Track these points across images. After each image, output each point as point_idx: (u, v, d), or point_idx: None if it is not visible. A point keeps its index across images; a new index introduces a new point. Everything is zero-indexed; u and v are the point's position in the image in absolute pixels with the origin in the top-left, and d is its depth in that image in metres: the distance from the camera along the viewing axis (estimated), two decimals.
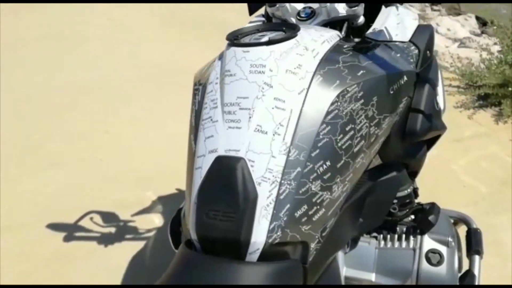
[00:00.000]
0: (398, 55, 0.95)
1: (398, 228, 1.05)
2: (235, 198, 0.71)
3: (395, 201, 1.02)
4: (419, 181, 1.19)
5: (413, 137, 0.96)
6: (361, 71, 0.82)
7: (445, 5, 4.39)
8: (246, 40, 0.83)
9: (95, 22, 3.80)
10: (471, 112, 2.62)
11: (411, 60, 0.98)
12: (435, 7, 4.39)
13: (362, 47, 0.90)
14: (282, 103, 0.75)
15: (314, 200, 0.75)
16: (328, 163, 0.76)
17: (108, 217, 1.75)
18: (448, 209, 1.19)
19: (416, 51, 1.02)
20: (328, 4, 0.98)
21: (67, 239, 1.64)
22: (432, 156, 2.20)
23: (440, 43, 3.43)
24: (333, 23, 1.02)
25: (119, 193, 2.01)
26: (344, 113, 0.78)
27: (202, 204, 0.74)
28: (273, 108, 0.75)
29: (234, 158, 0.73)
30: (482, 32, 3.80)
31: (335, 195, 0.78)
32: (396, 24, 1.02)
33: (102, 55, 3.28)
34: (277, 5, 1.02)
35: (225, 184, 0.73)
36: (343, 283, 0.98)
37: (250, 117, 0.75)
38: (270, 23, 1.04)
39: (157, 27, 3.76)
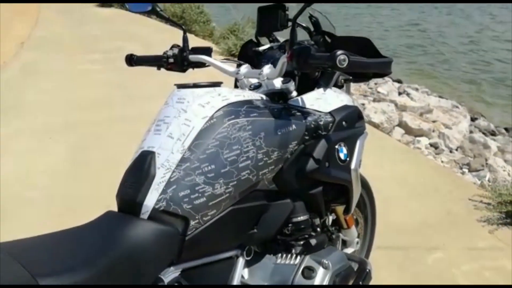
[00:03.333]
0: (302, 117, 1.29)
1: (293, 249, 1.29)
2: (140, 174, 1.10)
3: (290, 224, 1.29)
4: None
5: (302, 173, 1.26)
6: (255, 114, 1.20)
7: None
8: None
9: None
10: (493, 228, 2.63)
11: (320, 124, 1.32)
12: None
13: (270, 105, 1.28)
14: (189, 122, 1.15)
15: (196, 188, 1.09)
16: (212, 166, 1.12)
17: None
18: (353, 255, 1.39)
19: (331, 119, 1.36)
20: (267, 80, 1.39)
21: None
22: (436, 258, 2.29)
23: None
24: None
25: None
26: (232, 136, 1.15)
27: (124, 178, 1.14)
28: (182, 124, 1.15)
29: (149, 151, 1.13)
30: None
31: (217, 192, 1.12)
32: (316, 98, 1.39)
33: None
34: (239, 80, 1.46)
35: (139, 166, 1.12)
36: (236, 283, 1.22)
37: (167, 128, 1.15)
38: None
39: None
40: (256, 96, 1.30)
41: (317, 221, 1.37)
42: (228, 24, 7.27)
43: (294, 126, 1.26)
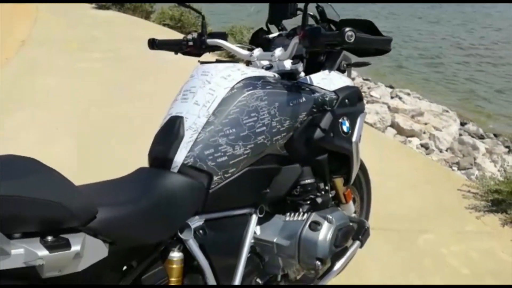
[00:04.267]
0: (310, 92, 1.45)
1: (300, 208, 1.44)
2: (171, 135, 1.25)
3: (298, 186, 1.44)
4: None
5: (310, 141, 1.42)
6: (270, 87, 1.36)
7: None
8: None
9: None
10: (480, 214, 2.80)
11: (326, 100, 1.48)
12: None
13: (282, 81, 1.43)
14: (213, 91, 1.30)
15: (219, 148, 1.24)
16: (233, 129, 1.27)
17: None
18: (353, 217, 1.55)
19: (335, 97, 1.52)
20: (278, 61, 1.54)
21: None
22: (427, 239, 2.44)
23: None
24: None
25: None
26: (251, 105, 1.30)
27: (155, 139, 1.28)
28: (207, 93, 1.30)
29: (177, 116, 1.28)
30: None
31: (236, 153, 1.26)
32: (322, 78, 1.55)
33: None
34: (252, 62, 1.61)
35: (169, 129, 1.27)
36: (249, 241, 1.36)
37: (193, 97, 1.30)
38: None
39: None
40: (269, 73, 1.45)
41: (322, 185, 1.52)
42: (226, 25, 7.44)
43: (304, 99, 1.41)
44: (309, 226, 1.36)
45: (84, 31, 7.74)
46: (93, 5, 11.02)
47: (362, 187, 2.18)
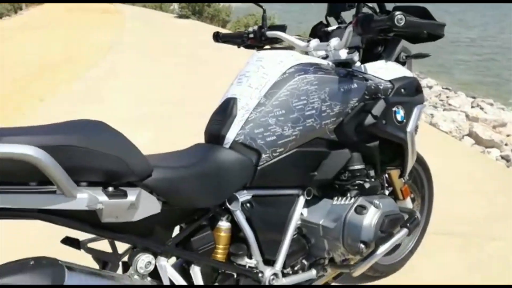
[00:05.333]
0: (363, 80, 1.47)
1: (348, 193, 1.45)
2: (225, 114, 1.34)
3: (347, 172, 1.46)
4: None
5: (360, 127, 1.43)
6: (321, 72, 1.40)
7: None
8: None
9: None
10: None
11: (380, 88, 1.49)
12: None
13: (336, 68, 1.47)
14: (266, 75, 1.37)
15: (268, 128, 1.31)
16: (283, 111, 1.32)
17: None
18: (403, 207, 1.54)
19: (391, 86, 1.53)
20: (333, 51, 1.57)
21: None
22: (496, 246, 2.31)
23: None
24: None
25: None
26: (301, 88, 1.35)
27: (211, 118, 1.38)
28: (260, 77, 1.37)
29: (232, 98, 1.36)
30: None
31: (285, 133, 1.32)
32: (378, 68, 1.56)
33: None
34: (309, 53, 1.65)
35: (224, 109, 1.36)
36: (295, 221, 1.40)
37: (247, 80, 1.38)
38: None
39: None
40: (323, 61, 1.49)
41: (372, 172, 1.52)
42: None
43: (355, 85, 1.44)
44: (355, 209, 1.37)
45: (165, 37, 8.24)
46: (175, 14, 11.71)
47: (423, 186, 2.12)
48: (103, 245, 1.15)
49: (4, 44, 7.64)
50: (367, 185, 1.44)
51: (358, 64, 1.57)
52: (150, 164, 1.04)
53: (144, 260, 1.06)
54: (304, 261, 1.46)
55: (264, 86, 1.35)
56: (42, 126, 0.93)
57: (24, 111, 4.64)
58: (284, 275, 1.39)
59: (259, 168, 1.30)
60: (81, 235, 1.07)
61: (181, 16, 11.47)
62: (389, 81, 1.56)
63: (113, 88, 5.32)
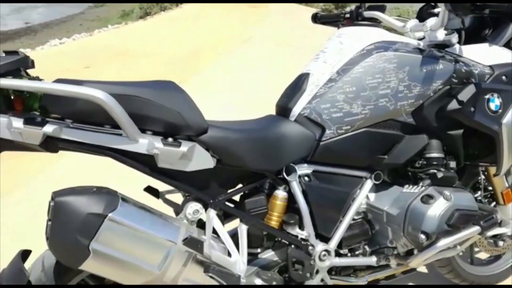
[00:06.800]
0: (453, 62, 1.36)
1: (421, 182, 1.36)
2: (295, 88, 1.37)
3: (422, 159, 1.36)
4: None
5: (443, 112, 1.32)
6: (403, 51, 1.33)
7: None
8: None
9: None
10: None
11: (474, 72, 1.36)
12: None
13: (423, 48, 1.37)
14: (343, 51, 1.36)
15: (336, 104, 1.30)
16: (354, 88, 1.30)
17: None
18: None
19: (489, 71, 1.39)
20: (430, 32, 1.47)
21: None
22: None
23: None
24: None
25: None
26: (377, 66, 1.31)
27: (283, 92, 1.42)
28: (337, 54, 1.36)
29: (306, 73, 1.39)
30: None
31: (353, 111, 1.30)
32: (478, 51, 1.42)
33: None
34: (405, 34, 1.58)
35: (295, 84, 1.39)
36: (358, 204, 1.36)
37: (324, 56, 1.39)
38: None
39: None
40: (412, 40, 1.41)
41: (452, 164, 1.39)
42: None
43: (441, 66, 1.33)
44: (421, 198, 1.28)
45: (299, 31, 8.38)
46: (319, 9, 11.80)
47: None
48: (178, 197, 1.30)
49: (163, 32, 8.68)
50: (439, 175, 1.33)
51: (456, 46, 1.44)
52: (205, 120, 1.14)
53: (192, 207, 1.16)
54: (366, 247, 1.41)
55: (339, 62, 1.34)
56: (122, 81, 1.09)
57: None
58: (340, 255, 1.37)
59: (322, 143, 1.30)
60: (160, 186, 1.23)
61: (323, 11, 11.51)
62: (489, 66, 1.40)
63: (245, 76, 5.67)
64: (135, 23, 10.94)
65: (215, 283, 1.12)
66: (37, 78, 1.04)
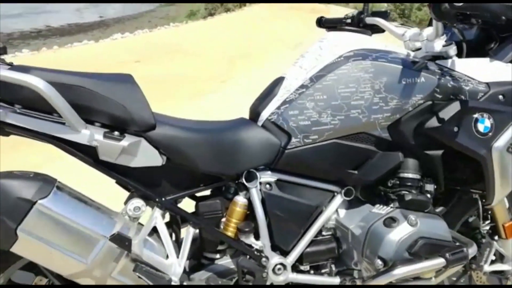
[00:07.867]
0: (438, 75, 1.24)
1: (391, 202, 1.24)
2: (267, 92, 1.32)
3: (395, 178, 1.25)
4: None
5: (421, 129, 1.21)
6: (383, 60, 1.23)
7: None
8: None
9: None
10: None
11: (464, 88, 1.23)
12: None
13: (408, 58, 1.27)
14: (320, 56, 1.29)
15: (304, 112, 1.23)
16: (325, 96, 1.23)
17: None
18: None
19: (484, 89, 1.25)
20: (426, 42, 1.36)
21: None
22: None
23: None
24: None
25: None
26: (351, 74, 1.22)
27: (258, 96, 1.37)
28: (314, 58, 1.29)
29: (281, 77, 1.32)
30: None
31: (322, 120, 1.22)
32: (475, 66, 1.29)
33: None
34: (404, 42, 1.47)
35: (269, 87, 1.34)
36: (325, 219, 1.28)
37: (302, 61, 1.32)
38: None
39: None
40: (400, 50, 1.31)
41: (429, 187, 1.26)
42: None
43: (423, 79, 1.22)
44: (384, 220, 1.18)
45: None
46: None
47: None
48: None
49: (219, 33, 8.85)
50: (408, 197, 1.21)
51: (454, 59, 1.32)
52: (152, 116, 1.12)
53: (133, 204, 1.15)
54: (333, 266, 1.32)
55: (314, 68, 1.27)
56: (71, 71, 1.10)
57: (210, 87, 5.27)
58: (298, 270, 1.29)
59: (287, 151, 1.24)
60: None
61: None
62: (486, 83, 1.26)
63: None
64: (195, 22, 11.27)
65: (144, 283, 1.10)
66: (10, 64, 1.07)
